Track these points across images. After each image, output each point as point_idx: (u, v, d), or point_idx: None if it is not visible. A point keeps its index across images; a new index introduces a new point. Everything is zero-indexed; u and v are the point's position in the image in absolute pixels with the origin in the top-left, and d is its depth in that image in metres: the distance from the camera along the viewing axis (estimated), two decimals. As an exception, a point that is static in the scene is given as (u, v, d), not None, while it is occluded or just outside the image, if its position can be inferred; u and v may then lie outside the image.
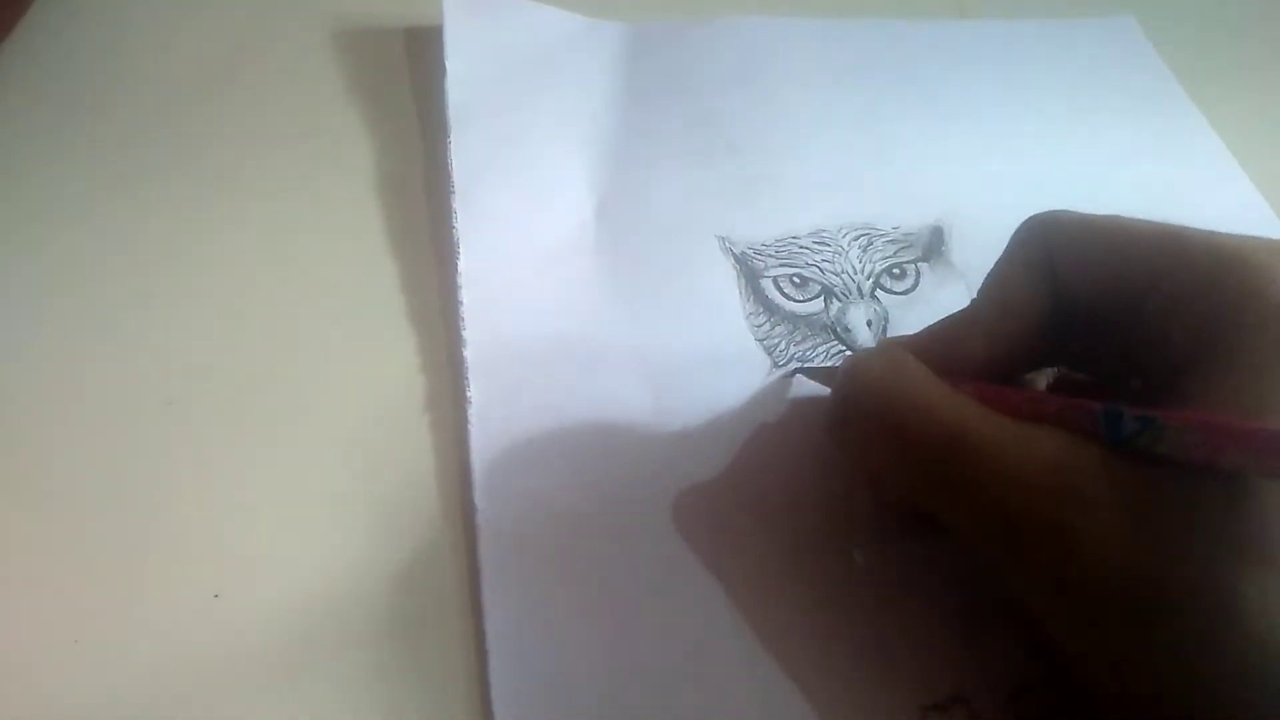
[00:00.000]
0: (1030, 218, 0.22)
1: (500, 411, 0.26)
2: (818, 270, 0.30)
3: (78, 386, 0.25)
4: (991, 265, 0.31)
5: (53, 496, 0.23)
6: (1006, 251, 0.23)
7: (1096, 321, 0.21)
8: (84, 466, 0.24)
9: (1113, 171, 0.34)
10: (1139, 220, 0.21)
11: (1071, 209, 0.22)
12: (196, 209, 0.29)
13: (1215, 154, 0.36)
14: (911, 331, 0.29)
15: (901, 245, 0.31)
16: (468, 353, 0.26)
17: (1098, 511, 0.17)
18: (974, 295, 0.30)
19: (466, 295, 0.27)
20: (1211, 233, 0.19)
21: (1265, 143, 0.36)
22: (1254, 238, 0.19)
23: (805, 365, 0.28)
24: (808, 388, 0.27)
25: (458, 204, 0.29)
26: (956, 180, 0.33)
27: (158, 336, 0.26)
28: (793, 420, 0.27)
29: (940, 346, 0.22)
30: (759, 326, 0.29)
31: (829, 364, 0.28)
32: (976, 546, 0.19)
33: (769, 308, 0.29)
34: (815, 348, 0.29)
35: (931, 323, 0.24)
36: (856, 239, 0.31)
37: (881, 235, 0.31)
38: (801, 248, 0.30)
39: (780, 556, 0.24)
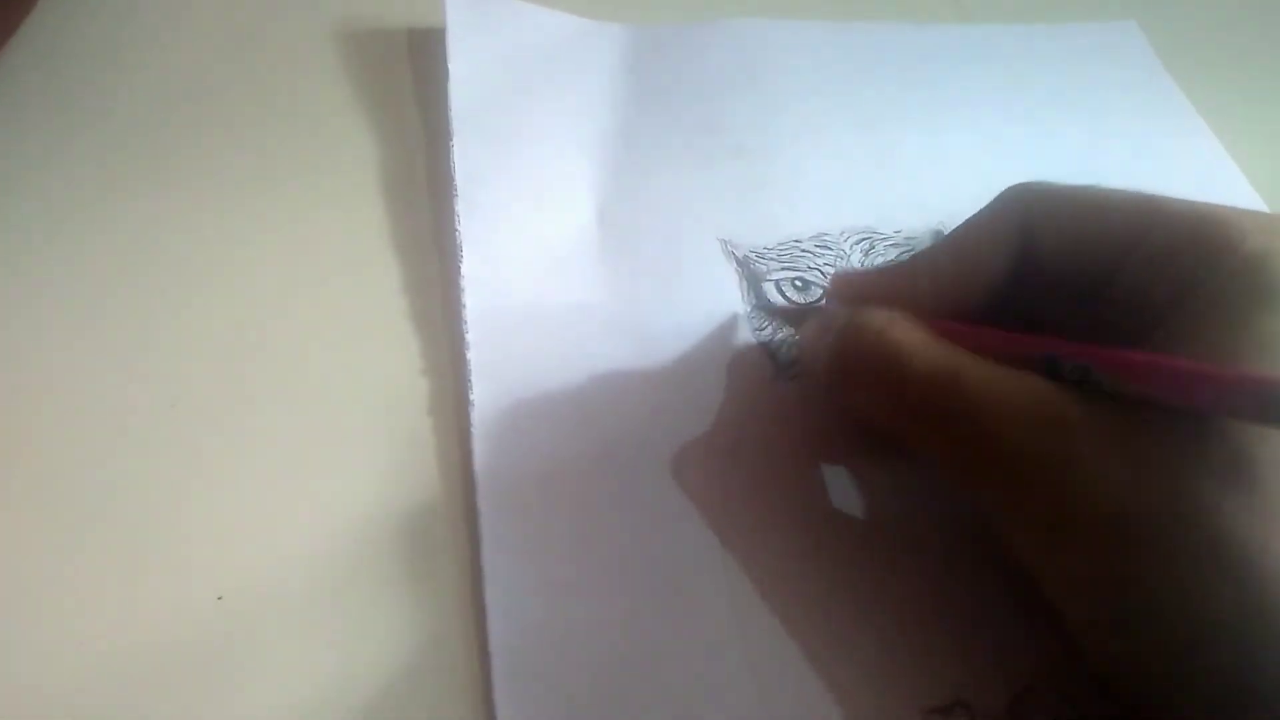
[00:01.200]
0: (1011, 185, 0.23)
1: (503, 417, 0.26)
2: (820, 274, 0.30)
3: (81, 388, 0.25)
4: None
5: (55, 498, 0.23)
6: (980, 211, 0.24)
7: (1072, 289, 0.22)
8: (87, 468, 0.24)
9: (1113, 175, 0.34)
10: (1117, 189, 0.22)
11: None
12: (199, 210, 0.29)
13: (1216, 159, 0.36)
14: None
15: (903, 249, 0.31)
16: (471, 356, 0.26)
17: (1084, 440, 0.18)
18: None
19: (470, 299, 0.27)
20: (1183, 200, 0.21)
21: (1266, 148, 0.36)
22: (1220, 205, 0.20)
23: (766, 305, 0.29)
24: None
25: (460, 207, 0.29)
26: (958, 184, 0.33)
27: (161, 337, 0.26)
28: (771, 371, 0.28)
29: (886, 283, 0.24)
30: (761, 330, 0.29)
31: (790, 305, 0.29)
32: (970, 483, 0.20)
33: (770, 310, 0.29)
34: (817, 351, 0.29)
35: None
36: (858, 243, 0.31)
37: (884, 239, 0.31)
38: (804, 251, 0.31)
39: (771, 509, 0.25)
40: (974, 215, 0.24)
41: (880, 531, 0.25)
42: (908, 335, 0.21)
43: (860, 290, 0.25)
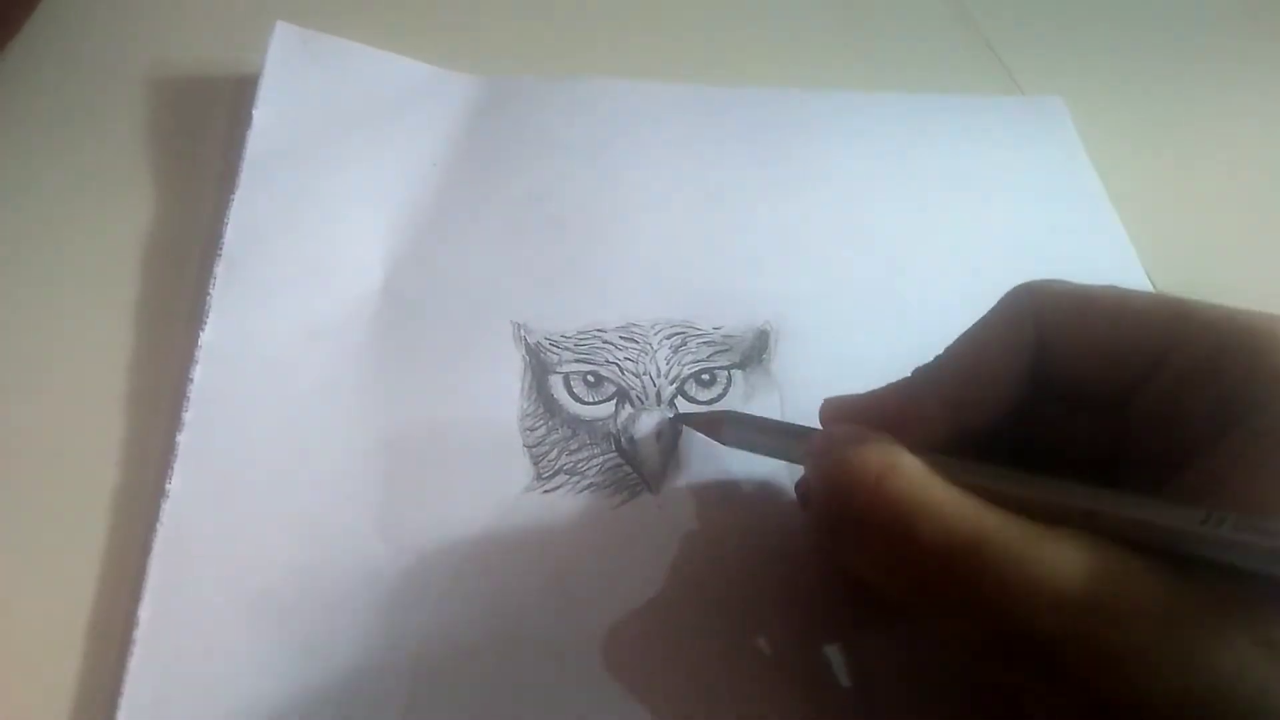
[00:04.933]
0: (1019, 285, 0.20)
1: (201, 509, 0.23)
2: (617, 369, 0.27)
3: None
4: (814, 372, 0.27)
5: None
6: (987, 316, 0.21)
7: (1086, 402, 0.20)
8: None
9: (999, 260, 0.30)
10: (1137, 293, 0.19)
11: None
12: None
13: (1118, 248, 0.31)
14: (702, 446, 0.25)
15: (719, 348, 0.27)
16: (181, 439, 0.24)
17: (1139, 627, 0.15)
18: (787, 408, 0.26)
19: (200, 372, 0.25)
20: (1214, 306, 0.18)
21: (1171, 239, 0.31)
22: (1258, 312, 0.17)
23: (684, 414, 0.26)
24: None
25: (220, 268, 0.26)
26: (800, 276, 0.29)
27: None
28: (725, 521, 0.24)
29: (891, 407, 0.20)
30: (533, 431, 0.25)
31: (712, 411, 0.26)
32: (993, 668, 0.17)
33: (550, 408, 0.26)
34: (590, 459, 0.25)
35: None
36: (670, 337, 0.27)
37: (698, 335, 0.27)
38: (605, 342, 0.27)
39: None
40: (980, 320, 0.21)
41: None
42: (912, 486, 0.17)
43: (854, 418, 0.21)
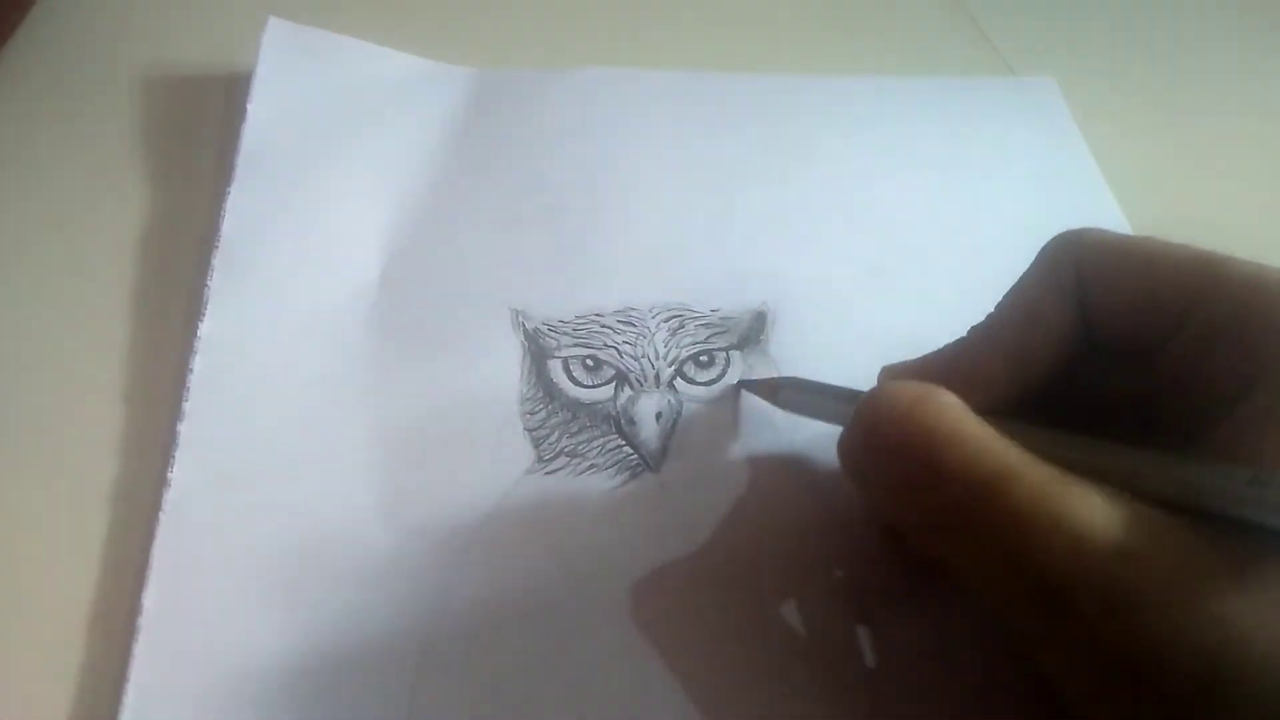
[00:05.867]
0: (1060, 233, 0.20)
1: (203, 497, 0.23)
2: (615, 353, 0.27)
3: None
4: (810, 352, 0.27)
5: None
6: (1032, 267, 0.21)
7: (1122, 351, 0.20)
8: None
9: (995, 243, 0.30)
10: (1176, 245, 0.19)
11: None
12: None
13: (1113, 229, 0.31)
14: (701, 426, 0.25)
15: (716, 330, 0.27)
16: (182, 428, 0.24)
17: (1160, 577, 0.15)
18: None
19: (199, 361, 0.25)
20: (1247, 262, 0.18)
21: (1170, 224, 0.31)
22: None
23: (745, 380, 0.26)
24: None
25: (218, 259, 0.26)
26: (795, 259, 0.29)
27: None
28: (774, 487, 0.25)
29: (953, 367, 0.20)
30: (533, 414, 0.25)
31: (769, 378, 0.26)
32: (1010, 613, 0.17)
33: (550, 392, 0.26)
34: (591, 440, 0.25)
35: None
36: (667, 320, 0.27)
37: (696, 318, 0.27)
38: (603, 327, 0.27)
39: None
40: (1026, 272, 0.21)
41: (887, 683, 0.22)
42: (944, 417, 0.17)
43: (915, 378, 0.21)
